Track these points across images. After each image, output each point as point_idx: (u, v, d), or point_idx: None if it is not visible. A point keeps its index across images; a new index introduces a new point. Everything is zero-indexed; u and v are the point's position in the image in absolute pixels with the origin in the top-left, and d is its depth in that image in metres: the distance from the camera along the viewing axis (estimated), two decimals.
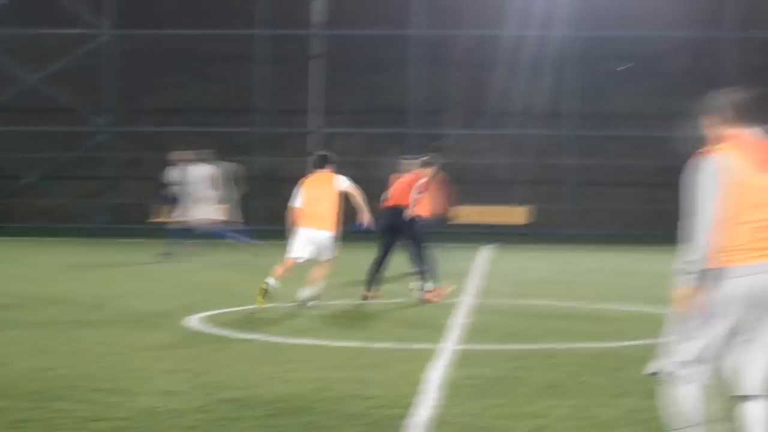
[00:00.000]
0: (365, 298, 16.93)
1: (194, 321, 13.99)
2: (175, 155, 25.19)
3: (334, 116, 41.71)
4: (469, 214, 37.23)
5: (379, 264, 17.23)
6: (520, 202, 39.37)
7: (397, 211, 17.23)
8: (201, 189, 24.76)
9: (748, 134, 6.56)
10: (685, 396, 6.56)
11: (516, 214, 39.05)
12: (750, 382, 6.52)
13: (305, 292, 16.22)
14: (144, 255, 25.72)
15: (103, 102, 39.59)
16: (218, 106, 42.36)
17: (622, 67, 42.91)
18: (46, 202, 40.05)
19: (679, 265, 6.44)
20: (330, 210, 16.50)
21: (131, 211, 40.20)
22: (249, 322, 14.26)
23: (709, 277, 6.40)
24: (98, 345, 11.90)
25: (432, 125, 40.76)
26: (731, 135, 6.56)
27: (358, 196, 16.81)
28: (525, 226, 38.62)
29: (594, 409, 8.64)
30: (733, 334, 6.50)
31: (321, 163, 16.86)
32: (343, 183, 16.65)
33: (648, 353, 10.45)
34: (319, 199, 16.46)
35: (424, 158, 18.19)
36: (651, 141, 38.85)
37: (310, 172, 17.05)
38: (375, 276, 17.14)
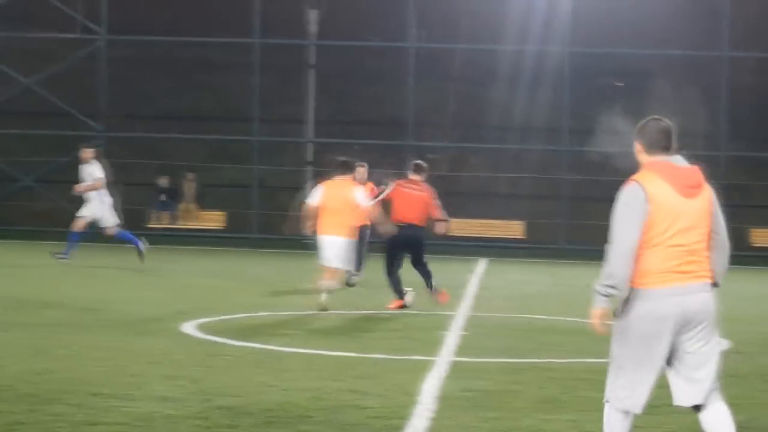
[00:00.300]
0: (403, 306, 17.18)
1: (191, 327, 13.97)
2: (85, 152, 24.48)
3: (330, 126, 41.71)
4: (466, 227, 37.26)
5: (396, 273, 17.44)
6: (518, 216, 39.35)
7: (416, 228, 17.38)
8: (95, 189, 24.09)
9: (670, 161, 6.81)
10: (616, 422, 6.84)
11: (513, 228, 39.04)
12: (694, 393, 6.80)
13: (322, 297, 16.37)
14: (136, 260, 25.62)
15: (98, 107, 39.54)
16: (213, 113, 42.34)
17: (620, 83, 42.97)
18: (42, 206, 39.98)
19: (596, 286, 6.72)
20: (347, 218, 16.65)
21: (126, 217, 40.17)
22: (245, 329, 14.23)
23: (638, 298, 6.68)
24: (95, 349, 11.89)
25: (428, 138, 40.78)
26: (654, 162, 6.82)
27: (371, 213, 17.02)
28: (522, 240, 38.60)
29: (590, 424, 8.64)
30: (668, 353, 6.74)
31: (342, 170, 16.96)
32: (361, 199, 16.78)
33: None
34: (337, 206, 16.63)
35: (416, 162, 18.26)
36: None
37: (331, 177, 17.17)
38: (399, 283, 17.38)
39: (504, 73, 40.60)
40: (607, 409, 6.88)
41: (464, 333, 14.43)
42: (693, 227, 6.72)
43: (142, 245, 24.11)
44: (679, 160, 6.84)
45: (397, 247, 17.51)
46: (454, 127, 42.83)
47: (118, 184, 40.95)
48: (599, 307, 6.78)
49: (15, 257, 25.40)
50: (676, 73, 41.16)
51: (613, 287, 6.67)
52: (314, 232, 16.90)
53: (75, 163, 37.62)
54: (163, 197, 39.86)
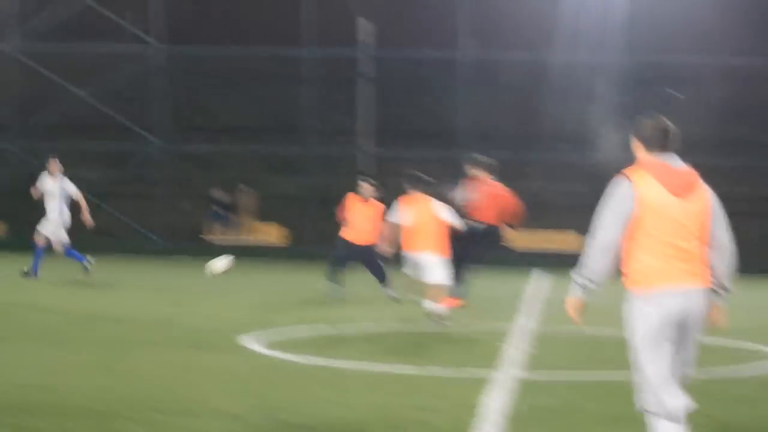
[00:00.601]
0: (459, 305, 17.31)
1: (252, 342, 13.95)
2: (52, 164, 24.49)
3: (381, 136, 41.70)
4: (522, 238, 37.08)
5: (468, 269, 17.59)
6: (575, 227, 39.10)
7: (490, 224, 17.69)
8: (57, 203, 24.18)
9: (665, 161, 6.82)
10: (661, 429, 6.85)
11: (570, 240, 38.81)
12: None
13: (432, 306, 16.70)
14: (196, 273, 25.64)
15: (154, 120, 39.77)
16: (267, 125, 42.43)
17: (674, 92, 42.68)
18: (99, 220, 40.18)
19: (573, 276, 6.92)
20: (433, 233, 16.79)
21: (181, 228, 40.36)
22: (307, 344, 14.18)
23: (635, 300, 6.89)
24: (157, 365, 11.88)
25: (481, 149, 40.64)
26: (649, 160, 6.84)
27: (454, 224, 17.05)
28: (581, 252, 38.38)
29: None
30: (670, 353, 6.83)
31: (416, 186, 17.08)
32: (444, 213, 16.98)
33: (712, 384, 10.33)
34: (425, 223, 16.79)
35: (468, 161, 18.35)
36: (704, 168, 38.55)
37: (404, 192, 17.27)
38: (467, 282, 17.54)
39: (559, 83, 40.46)
40: (652, 422, 6.86)
41: (528, 347, 14.31)
42: (684, 227, 6.73)
43: (35, 272, 24.05)
44: (675, 161, 6.85)
45: (473, 244, 17.56)
46: (508, 138, 42.68)
47: (174, 196, 41.39)
48: (574, 296, 6.97)
49: (75, 272, 25.45)
50: (732, 82, 40.87)
51: (588, 279, 6.87)
52: (394, 251, 17.13)
53: (132, 177, 37.81)
54: (217, 209, 40.01)
